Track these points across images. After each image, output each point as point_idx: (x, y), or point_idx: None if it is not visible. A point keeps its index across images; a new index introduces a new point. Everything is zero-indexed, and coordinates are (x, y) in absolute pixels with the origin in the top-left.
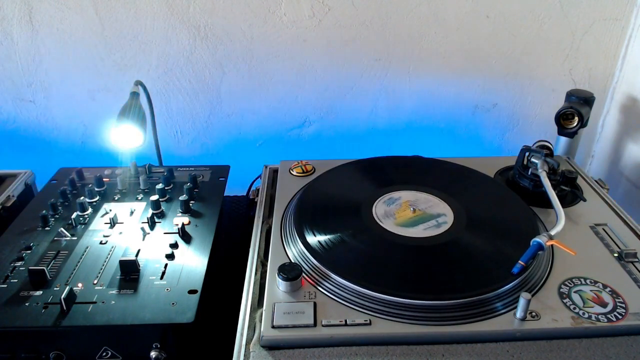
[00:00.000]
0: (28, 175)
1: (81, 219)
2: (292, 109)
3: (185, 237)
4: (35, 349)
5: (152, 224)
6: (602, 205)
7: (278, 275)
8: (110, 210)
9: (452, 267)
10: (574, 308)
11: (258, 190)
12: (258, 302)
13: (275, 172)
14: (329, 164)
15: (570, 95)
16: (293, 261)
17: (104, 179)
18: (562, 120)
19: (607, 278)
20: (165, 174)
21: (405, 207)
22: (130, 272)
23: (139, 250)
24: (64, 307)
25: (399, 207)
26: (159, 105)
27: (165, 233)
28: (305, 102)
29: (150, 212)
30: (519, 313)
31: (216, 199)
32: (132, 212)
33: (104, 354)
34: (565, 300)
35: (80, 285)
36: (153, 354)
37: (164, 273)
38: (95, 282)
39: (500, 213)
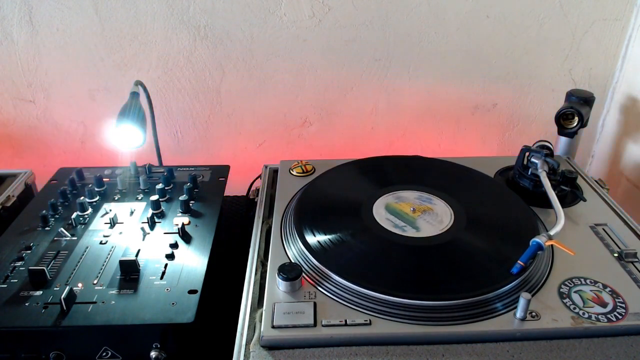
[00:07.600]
0: (28, 175)
1: (81, 219)
2: (292, 109)
3: (185, 237)
4: (35, 349)
5: (152, 224)
6: (602, 205)
7: (278, 275)
8: (110, 210)
9: (452, 267)
10: (574, 308)
11: (258, 190)
12: (258, 302)
13: (275, 172)
14: (329, 164)
15: (570, 95)
16: (293, 261)
17: (104, 179)
18: (562, 120)
19: (607, 278)
20: (165, 174)
21: (406, 207)
22: (130, 272)
23: (139, 250)
24: (64, 307)
25: (399, 207)
26: (159, 105)
27: (165, 233)
28: (305, 102)
29: (150, 212)
30: (519, 313)
31: (216, 199)
32: (132, 212)
33: (104, 354)
34: (565, 300)
35: (80, 285)
36: (153, 354)
37: (164, 273)
38: (95, 282)
39: (500, 213)
